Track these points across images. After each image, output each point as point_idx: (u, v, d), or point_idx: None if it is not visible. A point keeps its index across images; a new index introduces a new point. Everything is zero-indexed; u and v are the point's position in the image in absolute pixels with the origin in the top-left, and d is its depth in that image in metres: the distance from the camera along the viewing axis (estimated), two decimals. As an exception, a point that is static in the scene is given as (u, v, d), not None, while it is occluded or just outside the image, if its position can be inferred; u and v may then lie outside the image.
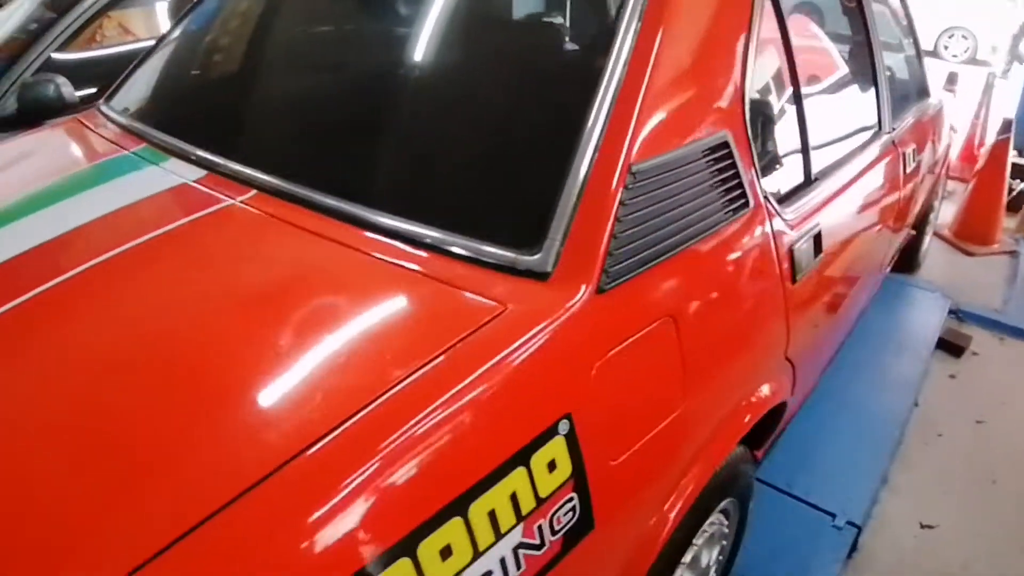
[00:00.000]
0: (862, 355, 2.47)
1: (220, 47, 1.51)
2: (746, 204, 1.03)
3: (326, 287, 0.88)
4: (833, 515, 1.71)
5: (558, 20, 1.44)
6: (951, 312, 2.84)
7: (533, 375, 0.75)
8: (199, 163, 1.17)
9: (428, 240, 0.89)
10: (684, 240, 0.93)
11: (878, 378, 2.34)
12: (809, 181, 1.32)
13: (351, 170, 1.07)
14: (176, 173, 1.17)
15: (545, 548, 0.74)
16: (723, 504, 1.25)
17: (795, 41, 1.27)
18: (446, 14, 1.26)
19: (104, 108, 1.49)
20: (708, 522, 1.19)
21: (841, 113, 1.73)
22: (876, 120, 1.77)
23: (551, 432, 0.73)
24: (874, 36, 1.76)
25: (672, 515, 0.97)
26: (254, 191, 1.07)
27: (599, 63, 0.93)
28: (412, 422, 0.65)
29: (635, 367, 0.85)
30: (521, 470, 0.70)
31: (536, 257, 0.84)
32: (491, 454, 0.68)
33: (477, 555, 0.66)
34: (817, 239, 1.25)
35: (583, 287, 0.81)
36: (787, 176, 1.31)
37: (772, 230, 1.10)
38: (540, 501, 0.72)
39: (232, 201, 1.06)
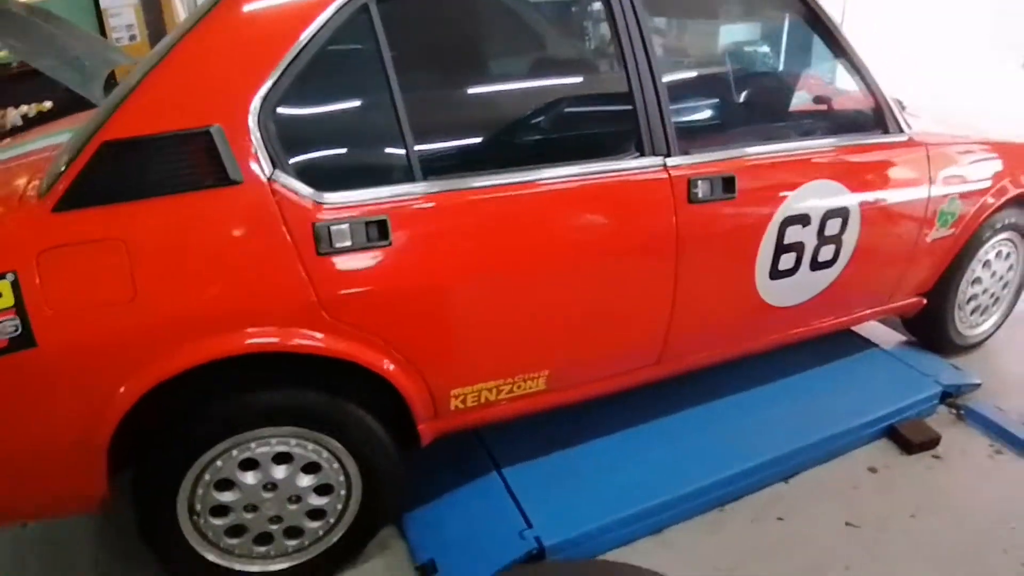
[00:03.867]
0: (757, 400, 2.25)
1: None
2: (227, 179, 1.37)
3: None
4: (531, 524, 1.78)
5: None
6: (950, 407, 2.32)
7: None
8: None
9: None
10: (147, 195, 1.33)
11: (756, 431, 2.11)
12: (410, 178, 1.50)
13: None
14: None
15: None
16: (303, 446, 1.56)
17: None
18: None
19: None
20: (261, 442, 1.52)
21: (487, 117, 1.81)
22: (636, 140, 1.72)
23: (1, 277, 1.25)
24: (635, 45, 1.71)
25: (120, 398, 1.34)
26: None
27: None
28: None
29: (82, 262, 1.29)
30: None
31: (43, 184, 1.39)
32: None
33: None
34: (381, 228, 1.45)
35: (44, 208, 1.32)
36: (356, 168, 1.57)
37: (281, 207, 1.40)
38: None
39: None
